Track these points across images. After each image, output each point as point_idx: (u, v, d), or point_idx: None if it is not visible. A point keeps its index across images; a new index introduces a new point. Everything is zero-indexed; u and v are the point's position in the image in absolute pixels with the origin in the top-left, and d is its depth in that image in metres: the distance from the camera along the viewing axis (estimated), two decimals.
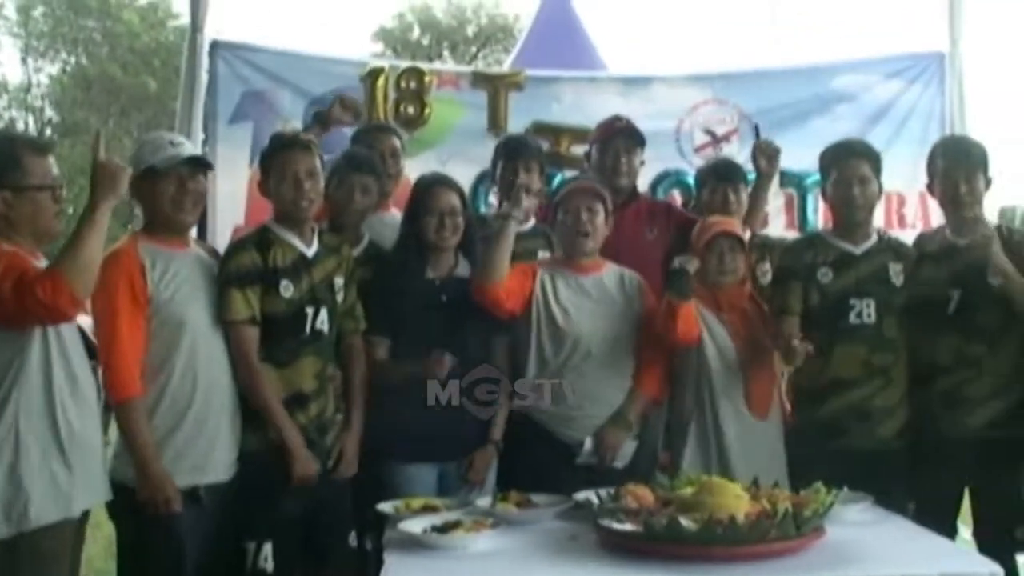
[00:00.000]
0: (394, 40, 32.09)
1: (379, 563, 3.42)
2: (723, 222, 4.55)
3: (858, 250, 4.58)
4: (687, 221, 4.95)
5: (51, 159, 3.58)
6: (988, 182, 4.57)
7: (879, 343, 4.47)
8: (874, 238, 4.64)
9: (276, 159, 4.21)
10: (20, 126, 32.38)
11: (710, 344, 4.37)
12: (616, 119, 5.24)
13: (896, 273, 4.52)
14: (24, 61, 32.15)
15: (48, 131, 32.39)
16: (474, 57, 30.47)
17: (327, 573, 4.29)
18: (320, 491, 4.17)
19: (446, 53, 30.20)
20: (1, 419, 3.32)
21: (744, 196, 4.99)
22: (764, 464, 4.20)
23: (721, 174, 5.02)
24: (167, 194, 3.94)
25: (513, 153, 5.01)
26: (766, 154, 5.03)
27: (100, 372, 3.81)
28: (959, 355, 4.43)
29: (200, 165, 4.11)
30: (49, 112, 32.94)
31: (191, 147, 4.32)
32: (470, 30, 32.63)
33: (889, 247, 4.64)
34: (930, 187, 4.70)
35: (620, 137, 5.09)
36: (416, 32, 32.80)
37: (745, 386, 4.38)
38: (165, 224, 3.98)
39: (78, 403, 3.49)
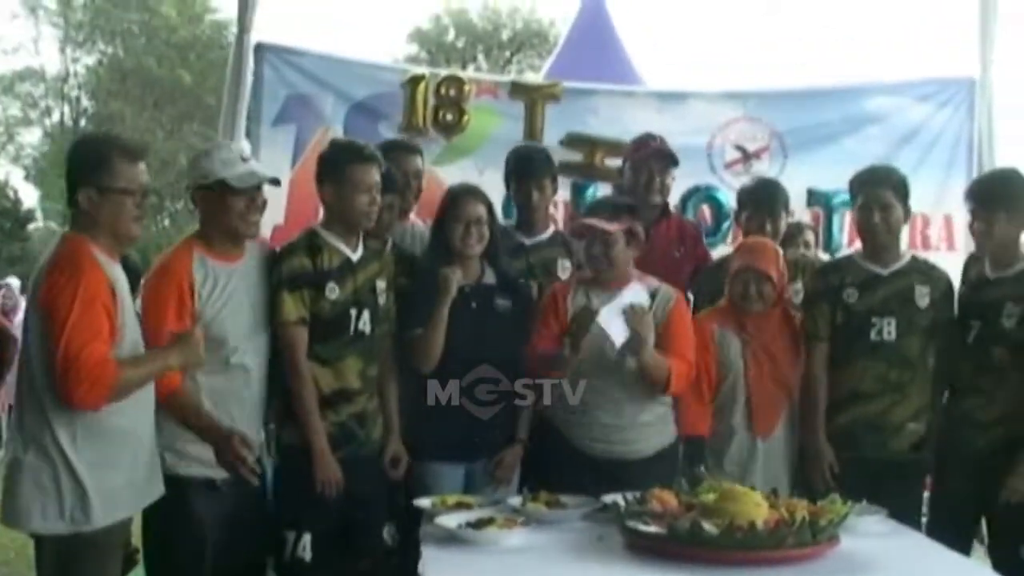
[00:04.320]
0: (429, 42, 32.29)
1: (405, 556, 3.59)
2: (752, 257, 4.67)
3: (886, 271, 4.72)
4: (704, 259, 5.21)
5: (141, 165, 3.70)
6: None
7: (897, 360, 4.62)
8: (905, 260, 4.78)
9: (354, 169, 4.32)
10: (56, 115, 32.79)
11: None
12: (650, 138, 5.35)
13: (921, 295, 4.65)
14: (62, 51, 32.61)
15: (83, 121, 32.73)
16: (508, 61, 30.65)
17: (363, 565, 4.45)
18: (359, 486, 4.34)
19: (480, 57, 30.35)
20: (62, 426, 3.47)
21: (782, 223, 5.13)
22: (761, 481, 4.36)
23: (761, 201, 5.17)
24: (236, 209, 4.07)
25: (524, 174, 5.14)
26: None
27: None
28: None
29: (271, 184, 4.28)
30: (85, 102, 33.30)
31: (256, 163, 4.46)
32: (505, 34, 32.80)
33: (918, 269, 4.77)
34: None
35: (653, 157, 5.21)
36: (451, 35, 33.02)
37: (748, 406, 4.57)
38: (227, 234, 4.13)
39: (132, 402, 3.63)
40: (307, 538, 4.28)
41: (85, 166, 3.64)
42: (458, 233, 4.55)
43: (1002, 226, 4.59)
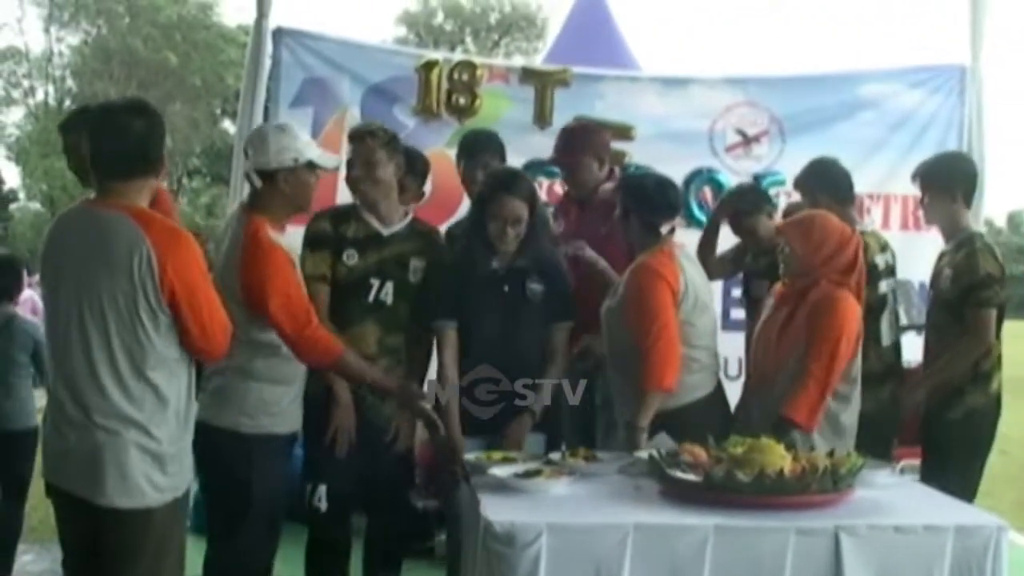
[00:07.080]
0: (418, 24, 32.25)
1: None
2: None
3: None
4: None
5: None
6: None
7: None
8: None
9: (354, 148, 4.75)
10: (40, 95, 32.74)
11: None
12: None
13: None
14: (47, 31, 32.50)
15: (67, 101, 32.66)
16: (496, 44, 30.74)
17: (390, 524, 4.80)
18: (380, 451, 4.62)
19: (468, 39, 30.43)
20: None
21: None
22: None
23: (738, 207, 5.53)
24: (312, 186, 4.33)
25: (475, 153, 5.50)
26: None
27: None
28: None
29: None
30: (69, 82, 33.20)
31: None
32: (493, 18, 32.83)
33: None
34: None
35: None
36: (440, 17, 33.08)
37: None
38: (294, 209, 4.35)
39: None
40: (322, 489, 4.58)
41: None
42: (494, 230, 4.61)
43: (948, 204, 5.13)
